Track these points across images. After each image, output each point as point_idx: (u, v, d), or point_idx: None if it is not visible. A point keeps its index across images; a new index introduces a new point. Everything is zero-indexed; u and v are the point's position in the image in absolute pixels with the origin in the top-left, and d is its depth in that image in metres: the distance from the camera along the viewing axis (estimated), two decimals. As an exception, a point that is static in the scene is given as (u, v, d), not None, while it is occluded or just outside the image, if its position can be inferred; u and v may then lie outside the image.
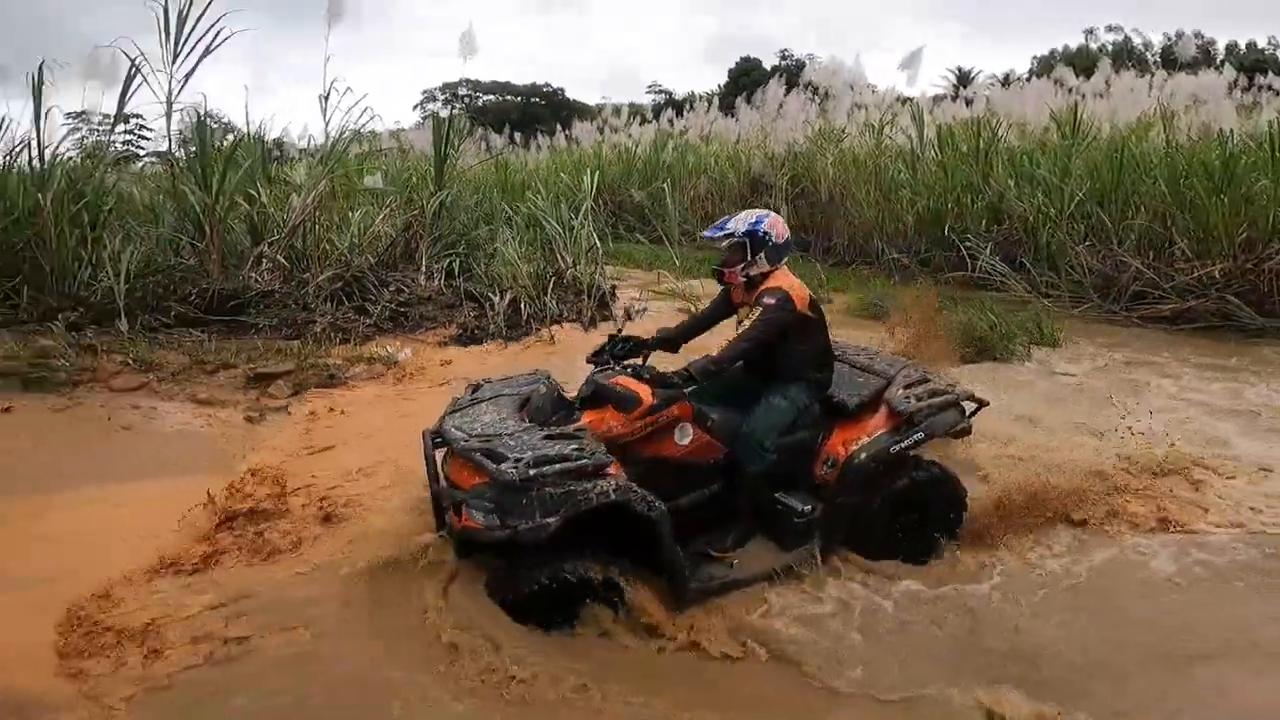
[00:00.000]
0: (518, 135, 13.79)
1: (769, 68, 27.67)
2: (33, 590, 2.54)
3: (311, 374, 5.25)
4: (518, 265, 7.09)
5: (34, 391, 4.45)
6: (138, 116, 7.71)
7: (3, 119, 5.85)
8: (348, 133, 7.31)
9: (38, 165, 5.69)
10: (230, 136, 7.56)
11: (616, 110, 15.47)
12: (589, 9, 78.09)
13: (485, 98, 33.34)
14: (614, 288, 7.67)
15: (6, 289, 5.33)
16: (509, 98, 33.75)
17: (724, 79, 32.87)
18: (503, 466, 2.16)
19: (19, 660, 2.20)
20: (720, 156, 11.47)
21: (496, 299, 6.79)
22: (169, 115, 6.39)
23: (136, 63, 6.09)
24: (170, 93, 6.27)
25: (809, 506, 2.68)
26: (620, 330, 3.00)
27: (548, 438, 2.35)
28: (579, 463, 2.21)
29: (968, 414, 3.00)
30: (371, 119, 7.58)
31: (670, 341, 2.98)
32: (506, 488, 2.15)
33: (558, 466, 2.18)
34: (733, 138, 12.11)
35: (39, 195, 5.42)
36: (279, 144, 9.07)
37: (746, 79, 25.50)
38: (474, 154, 10.46)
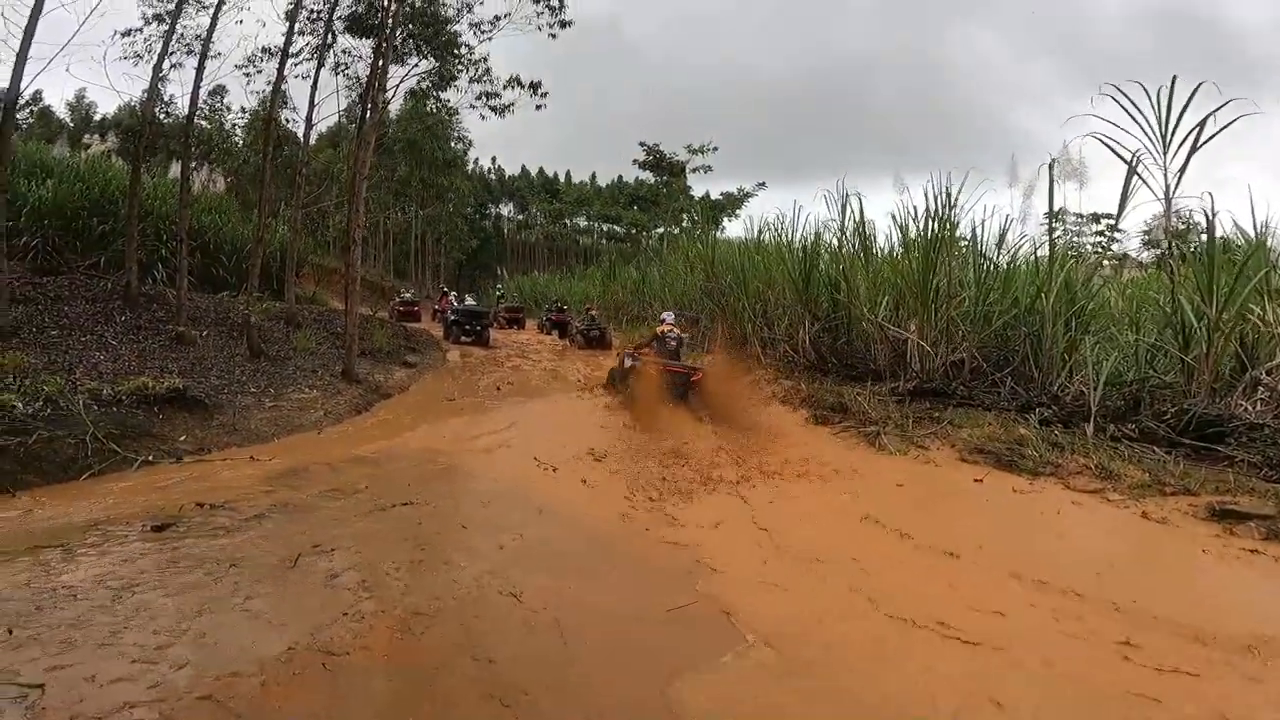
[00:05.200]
0: None
1: None
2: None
3: (1300, 528, 3.96)
4: None
5: (1003, 470, 4.95)
6: (1106, 216, 7.78)
7: (1006, 217, 6.89)
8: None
9: (1043, 265, 6.34)
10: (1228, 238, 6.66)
11: None
12: None
13: None
14: None
15: (995, 376, 6.18)
16: None
17: None
18: None
19: None
20: None
21: None
22: (1167, 214, 6.06)
23: (1137, 157, 6.00)
24: (1168, 189, 5.93)
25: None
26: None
27: None
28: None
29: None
30: None
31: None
32: None
33: None
34: None
35: (1041, 295, 5.97)
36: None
37: None
38: None
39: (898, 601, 3.36)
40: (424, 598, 3.23)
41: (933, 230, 7.43)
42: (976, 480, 4.98)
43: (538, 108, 15.29)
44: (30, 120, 32.03)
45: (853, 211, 8.96)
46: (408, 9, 12.37)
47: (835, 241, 9.48)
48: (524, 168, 49.18)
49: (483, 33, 13.55)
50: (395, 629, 2.92)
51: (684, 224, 34.26)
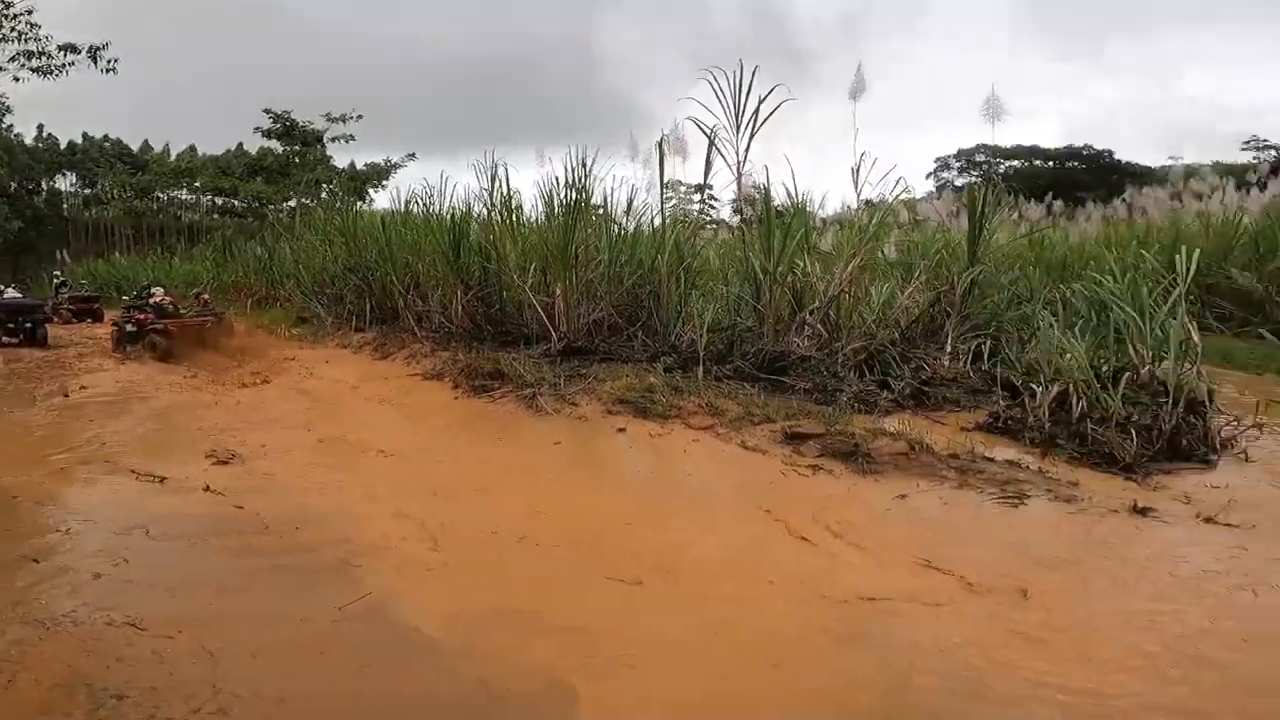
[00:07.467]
0: (1057, 204, 12.37)
1: None
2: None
3: (839, 440, 5.34)
4: (1069, 354, 6.04)
5: (640, 418, 5.63)
6: (709, 186, 9.38)
7: (634, 189, 7.92)
8: (878, 205, 7.49)
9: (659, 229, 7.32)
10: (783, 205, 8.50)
11: (1191, 173, 12.57)
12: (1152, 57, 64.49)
13: (1009, 163, 31.18)
14: (1211, 394, 5.85)
15: (629, 331, 6.97)
16: (1038, 163, 30.92)
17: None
18: None
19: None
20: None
21: (1040, 390, 5.89)
22: (739, 184, 7.49)
23: (713, 137, 7.28)
24: (740, 163, 7.35)
25: None
26: None
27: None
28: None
29: None
30: (905, 191, 7.61)
31: None
32: None
33: None
34: None
35: (658, 256, 6.90)
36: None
37: None
38: (1007, 225, 9.66)
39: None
40: (3, 644, 2.57)
41: (571, 199, 7.98)
42: (620, 430, 5.57)
43: (105, 71, 12.20)
44: None
45: (501, 182, 9.09)
46: None
47: (485, 211, 9.52)
48: (87, 134, 38.40)
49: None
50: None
51: (323, 196, 30.70)
